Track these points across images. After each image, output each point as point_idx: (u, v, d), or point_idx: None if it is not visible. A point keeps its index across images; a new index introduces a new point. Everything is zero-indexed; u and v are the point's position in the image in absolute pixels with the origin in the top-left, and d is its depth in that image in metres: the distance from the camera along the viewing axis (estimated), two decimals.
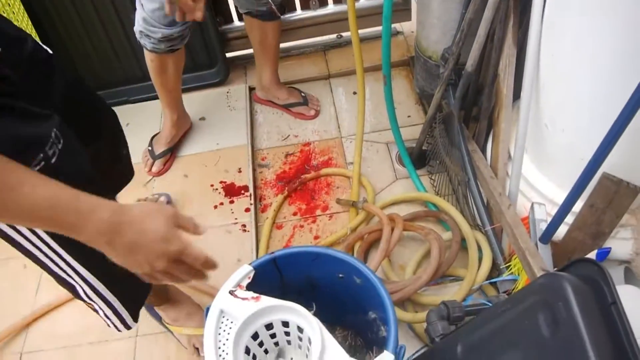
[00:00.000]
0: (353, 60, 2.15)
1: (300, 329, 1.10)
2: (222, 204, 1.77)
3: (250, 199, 1.76)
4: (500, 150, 1.42)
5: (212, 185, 1.82)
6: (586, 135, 1.20)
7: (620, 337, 0.80)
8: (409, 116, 1.98)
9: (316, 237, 1.67)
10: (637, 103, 0.96)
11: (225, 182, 1.82)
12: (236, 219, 1.72)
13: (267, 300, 1.10)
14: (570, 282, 0.85)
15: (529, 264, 1.17)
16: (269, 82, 2.03)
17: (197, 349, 1.48)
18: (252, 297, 1.12)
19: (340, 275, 1.22)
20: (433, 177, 1.77)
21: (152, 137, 1.94)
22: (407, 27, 2.28)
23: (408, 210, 1.69)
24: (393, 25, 2.25)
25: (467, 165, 1.49)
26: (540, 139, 1.34)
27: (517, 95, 1.41)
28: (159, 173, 1.90)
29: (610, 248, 1.27)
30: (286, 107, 2.07)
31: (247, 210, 1.73)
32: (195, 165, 1.89)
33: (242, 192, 1.79)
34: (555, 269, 0.95)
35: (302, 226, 1.70)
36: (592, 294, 0.85)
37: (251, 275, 1.17)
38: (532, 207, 1.31)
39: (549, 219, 1.29)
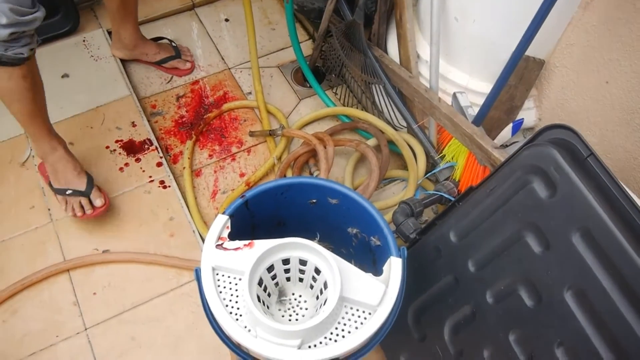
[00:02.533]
0: None
1: (302, 262, 1.08)
2: (127, 164, 1.59)
3: (159, 152, 1.61)
4: (410, 51, 1.48)
5: (107, 147, 1.62)
6: (499, 23, 1.30)
7: (605, 183, 0.93)
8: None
9: (242, 175, 1.61)
10: None
11: (122, 141, 1.63)
12: (150, 176, 1.57)
13: (263, 244, 1.05)
14: (554, 148, 0.96)
15: (480, 146, 1.27)
16: (134, 39, 1.76)
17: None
18: (245, 245, 1.06)
19: (313, 200, 1.21)
20: (335, 91, 1.79)
21: (49, 183, 1.51)
22: None
23: (321, 128, 1.70)
24: None
25: (379, 71, 1.53)
26: (448, 33, 1.41)
27: None
28: (105, 205, 1.50)
29: (522, 119, 1.44)
30: (158, 64, 1.83)
31: (159, 164, 1.59)
32: (78, 130, 1.65)
33: (146, 146, 1.62)
34: (526, 141, 1.05)
35: (222, 167, 1.62)
36: (568, 153, 0.97)
37: (229, 224, 1.11)
38: (454, 97, 1.41)
39: (471, 105, 1.41)
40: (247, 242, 1.07)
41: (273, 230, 1.27)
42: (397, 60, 1.55)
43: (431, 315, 1.17)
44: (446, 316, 1.12)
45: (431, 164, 1.50)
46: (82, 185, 1.48)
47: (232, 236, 1.10)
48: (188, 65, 1.84)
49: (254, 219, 1.21)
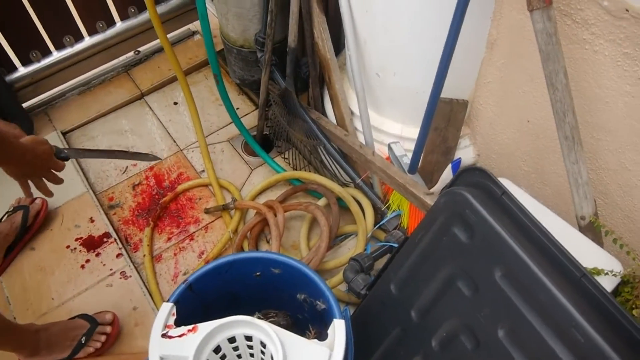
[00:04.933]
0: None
1: (248, 338, 1.09)
2: (88, 260, 1.61)
3: (118, 244, 1.64)
4: (343, 109, 1.53)
5: (68, 247, 1.65)
6: (418, 72, 1.35)
7: (519, 216, 0.95)
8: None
9: (201, 253, 1.63)
10: (454, 38, 1.12)
11: (81, 238, 1.66)
12: (111, 269, 1.59)
13: (205, 326, 1.06)
14: (467, 191, 0.98)
15: (414, 194, 1.30)
16: None
17: None
18: (189, 330, 1.07)
19: (257, 273, 1.22)
20: (285, 156, 1.83)
21: None
22: (199, 25, 2.26)
23: (275, 194, 1.73)
24: (187, 27, 2.23)
25: (317, 133, 1.58)
26: (374, 88, 1.47)
27: None
28: (114, 315, 1.49)
29: (460, 158, 1.47)
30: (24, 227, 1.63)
31: (119, 255, 1.61)
32: (39, 234, 1.68)
33: (105, 240, 1.65)
34: (445, 186, 1.08)
35: (182, 249, 1.64)
36: (484, 193, 1.00)
37: (174, 311, 1.12)
38: (389, 147, 1.45)
39: (407, 153, 1.45)
40: (190, 327, 1.08)
41: (228, 306, 1.27)
42: (334, 120, 1.60)
43: None
44: None
45: (380, 215, 1.53)
46: (84, 326, 1.44)
47: (181, 322, 1.12)
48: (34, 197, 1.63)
49: (203, 300, 1.22)
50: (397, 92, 1.43)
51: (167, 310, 1.11)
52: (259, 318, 1.19)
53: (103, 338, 1.44)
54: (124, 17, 2.07)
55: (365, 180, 1.53)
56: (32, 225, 1.68)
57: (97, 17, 2.00)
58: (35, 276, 1.60)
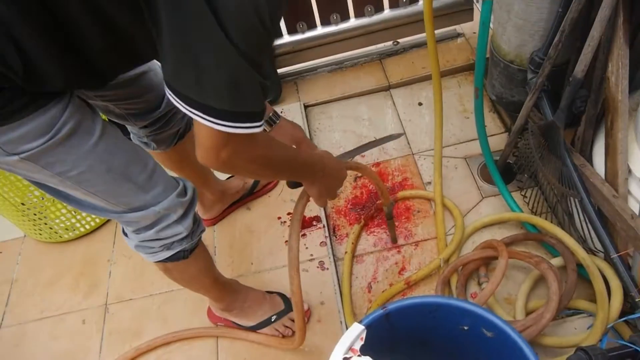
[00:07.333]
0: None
1: None
2: None
3: (325, 231, 1.60)
4: (619, 165, 1.24)
5: (279, 218, 1.67)
6: None
7: None
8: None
9: (402, 270, 1.50)
10: None
11: None
12: (311, 255, 1.56)
13: None
14: None
15: None
16: (218, 188, 1.64)
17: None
18: None
19: (465, 327, 1.05)
20: (524, 194, 1.60)
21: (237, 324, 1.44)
22: (467, 28, 2.10)
23: (501, 233, 1.52)
24: (453, 27, 2.09)
25: (576, 182, 1.31)
26: None
27: None
28: (308, 307, 1.46)
29: None
30: (251, 194, 1.72)
31: (323, 244, 1.58)
32: (257, 198, 1.73)
33: (314, 223, 1.63)
34: None
35: (385, 258, 1.54)
36: None
37: (363, 335, 1.01)
38: None
39: None
40: None
41: (415, 349, 1.14)
42: (602, 173, 1.31)
43: None
44: None
45: (630, 305, 1.22)
46: (281, 305, 1.42)
47: (366, 349, 1.01)
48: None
49: (394, 333, 1.09)
50: None
51: (357, 332, 1.00)
52: None
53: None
54: (393, 5, 2.00)
55: (623, 258, 1.24)
56: (259, 190, 1.73)
57: (367, 1, 1.96)
58: (243, 236, 1.65)
